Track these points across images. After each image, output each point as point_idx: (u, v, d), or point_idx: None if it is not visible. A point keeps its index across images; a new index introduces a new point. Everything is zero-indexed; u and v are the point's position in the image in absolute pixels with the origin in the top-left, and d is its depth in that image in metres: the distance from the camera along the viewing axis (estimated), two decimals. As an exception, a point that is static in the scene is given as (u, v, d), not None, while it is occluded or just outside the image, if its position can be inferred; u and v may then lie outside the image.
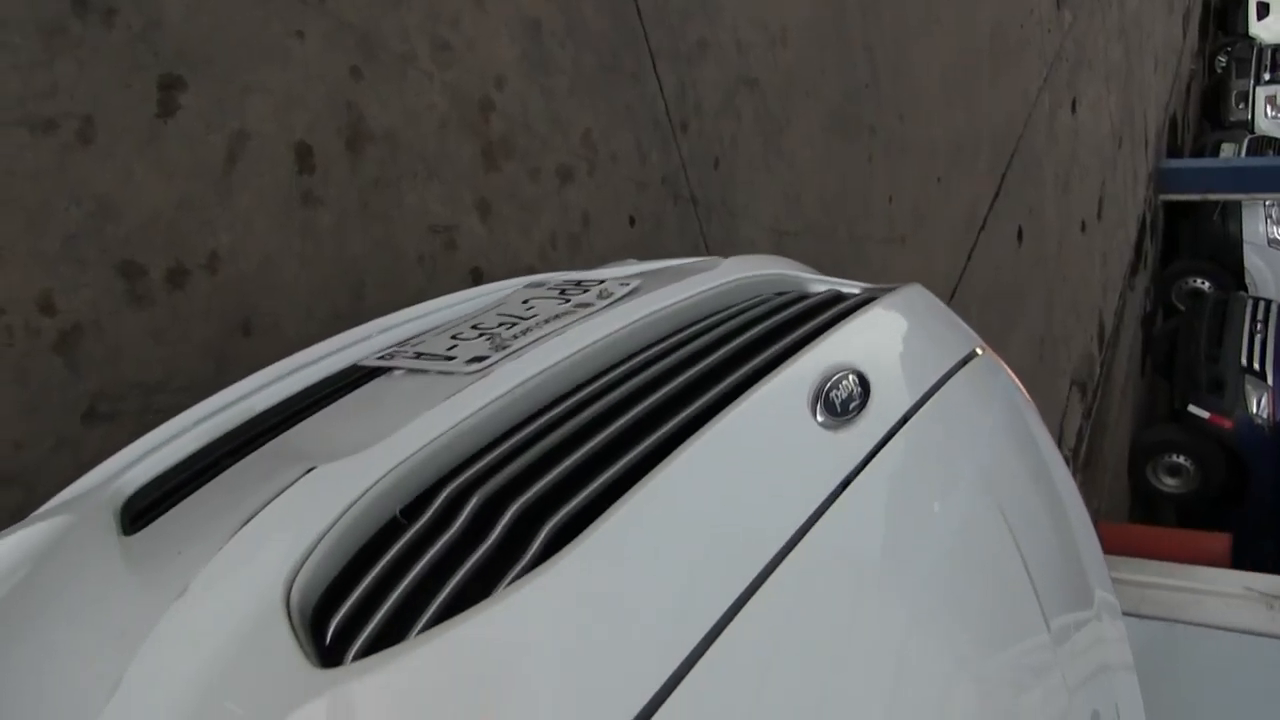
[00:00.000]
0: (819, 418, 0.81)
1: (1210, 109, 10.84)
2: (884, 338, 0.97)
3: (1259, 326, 7.06)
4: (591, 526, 0.67)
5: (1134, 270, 7.35)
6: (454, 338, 1.00)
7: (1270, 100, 9.84)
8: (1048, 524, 1.04)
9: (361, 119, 1.62)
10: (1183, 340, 7.19)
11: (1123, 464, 7.01)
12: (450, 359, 0.94)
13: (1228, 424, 6.96)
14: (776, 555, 0.71)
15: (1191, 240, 8.43)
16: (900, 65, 3.46)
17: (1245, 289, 7.85)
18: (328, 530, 0.71)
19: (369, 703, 0.60)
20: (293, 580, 0.68)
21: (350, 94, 1.60)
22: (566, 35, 2.03)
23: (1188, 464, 7.08)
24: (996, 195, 4.29)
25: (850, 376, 0.84)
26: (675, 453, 0.73)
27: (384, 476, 0.75)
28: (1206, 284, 8.15)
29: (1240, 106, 9.80)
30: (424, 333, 1.10)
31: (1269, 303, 7.27)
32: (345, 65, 1.59)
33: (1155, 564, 3.57)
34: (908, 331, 1.00)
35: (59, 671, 0.71)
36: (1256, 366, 6.92)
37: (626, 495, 0.70)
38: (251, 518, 0.73)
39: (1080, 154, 5.69)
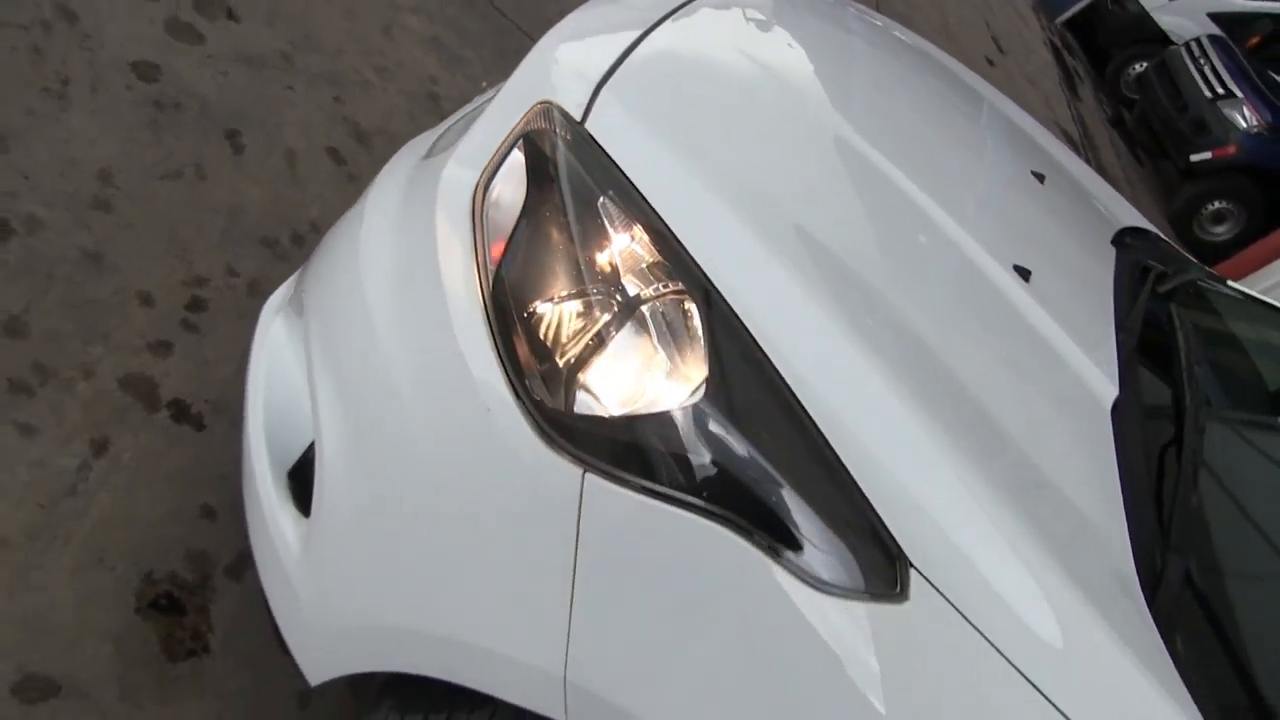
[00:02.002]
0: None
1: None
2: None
3: (1202, 61, 7.55)
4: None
5: (1072, 85, 7.92)
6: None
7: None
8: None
9: (358, 125, 2.31)
10: (1152, 114, 7.68)
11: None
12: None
13: (1231, 149, 7.35)
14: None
15: (1108, 38, 9.02)
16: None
17: (1173, 44, 8.37)
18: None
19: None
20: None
21: (342, 112, 2.30)
22: (462, 41, 2.76)
23: (1224, 205, 7.44)
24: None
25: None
26: None
27: None
28: (1143, 64, 8.67)
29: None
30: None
31: (1196, 39, 7.80)
32: (329, 96, 2.30)
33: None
34: None
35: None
36: (1220, 90, 7.37)
37: None
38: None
39: (949, 7, 6.38)
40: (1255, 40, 8.48)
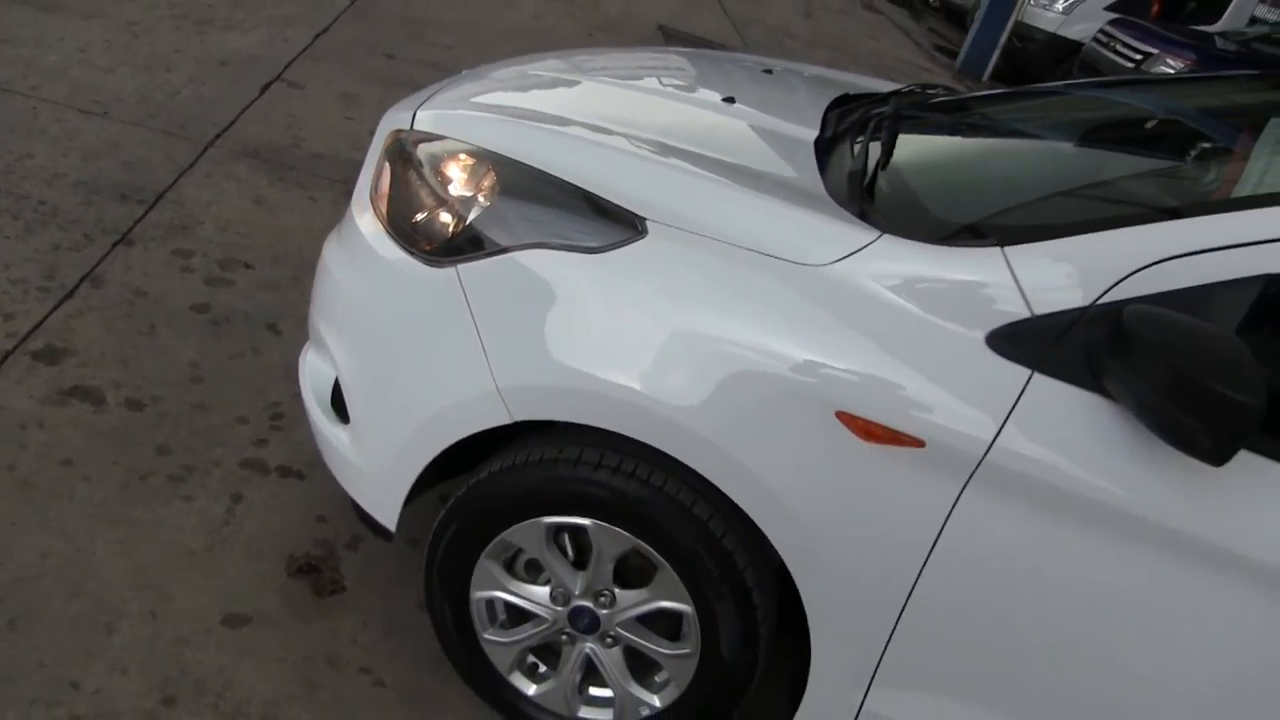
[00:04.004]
0: None
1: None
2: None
3: (1113, 43, 8.42)
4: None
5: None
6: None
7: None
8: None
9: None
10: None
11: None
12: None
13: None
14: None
15: (1036, 70, 9.95)
16: None
17: (1086, 46, 9.27)
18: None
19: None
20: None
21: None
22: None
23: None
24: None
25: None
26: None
27: None
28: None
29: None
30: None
31: (1101, 29, 8.70)
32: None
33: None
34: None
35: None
36: (1139, 57, 8.16)
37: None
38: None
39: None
40: (1156, 8, 9.33)
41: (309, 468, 2.47)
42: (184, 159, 3.73)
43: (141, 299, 2.91)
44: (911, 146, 2.08)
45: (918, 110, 2.35)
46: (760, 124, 2.15)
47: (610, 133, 1.93)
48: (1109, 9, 9.65)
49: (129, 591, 2.06)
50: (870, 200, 1.81)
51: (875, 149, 1.98)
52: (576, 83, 2.31)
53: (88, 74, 4.17)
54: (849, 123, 2.21)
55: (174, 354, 2.73)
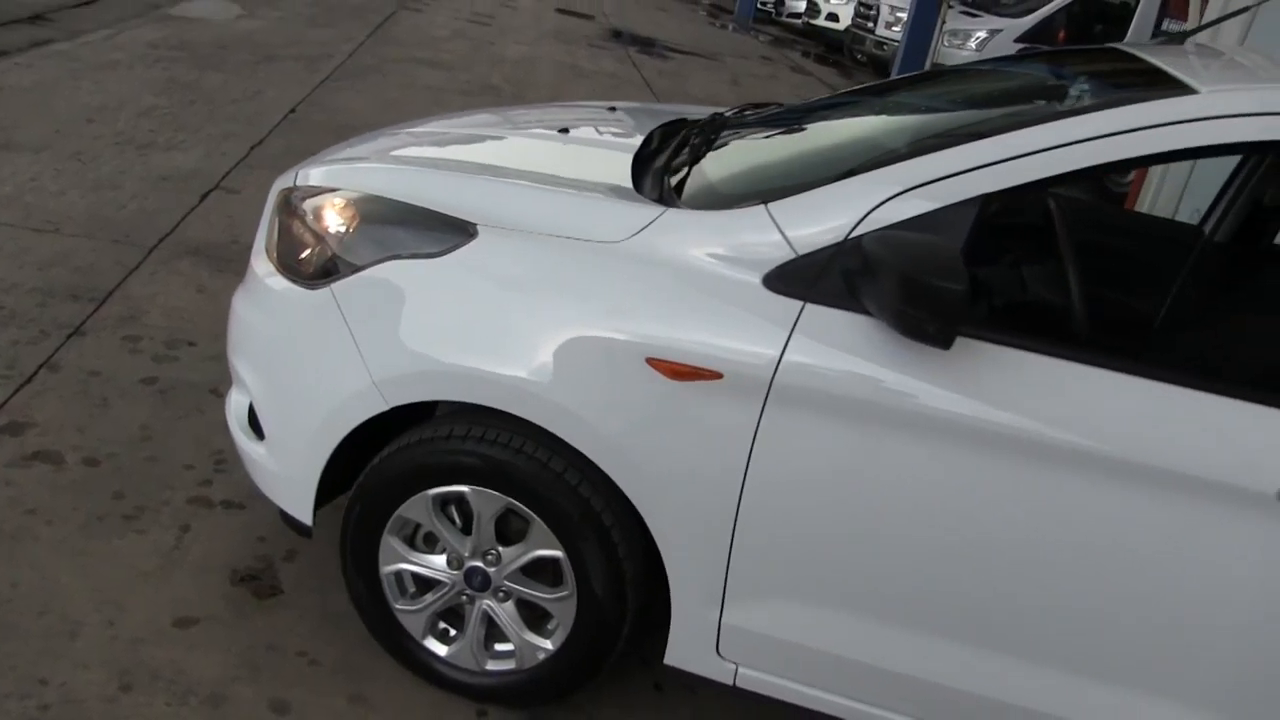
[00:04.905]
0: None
1: None
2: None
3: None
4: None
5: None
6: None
7: None
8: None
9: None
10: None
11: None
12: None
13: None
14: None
15: None
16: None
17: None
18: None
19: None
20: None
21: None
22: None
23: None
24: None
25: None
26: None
27: None
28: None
29: None
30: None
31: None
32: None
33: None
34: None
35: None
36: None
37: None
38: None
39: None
40: (1062, 34, 9.96)
41: (249, 500, 2.81)
42: (131, 261, 4.15)
43: (95, 378, 3.29)
44: (717, 148, 2.49)
45: (728, 121, 2.77)
46: (587, 146, 2.57)
47: (452, 163, 2.33)
48: (1019, 40, 10.27)
49: (89, 606, 2.39)
50: (674, 190, 2.20)
51: (686, 154, 2.39)
52: (434, 133, 2.72)
53: (40, 198, 4.61)
54: (666, 138, 2.62)
55: (126, 420, 3.10)
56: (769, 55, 15.20)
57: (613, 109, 3.08)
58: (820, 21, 17.07)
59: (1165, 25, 11.31)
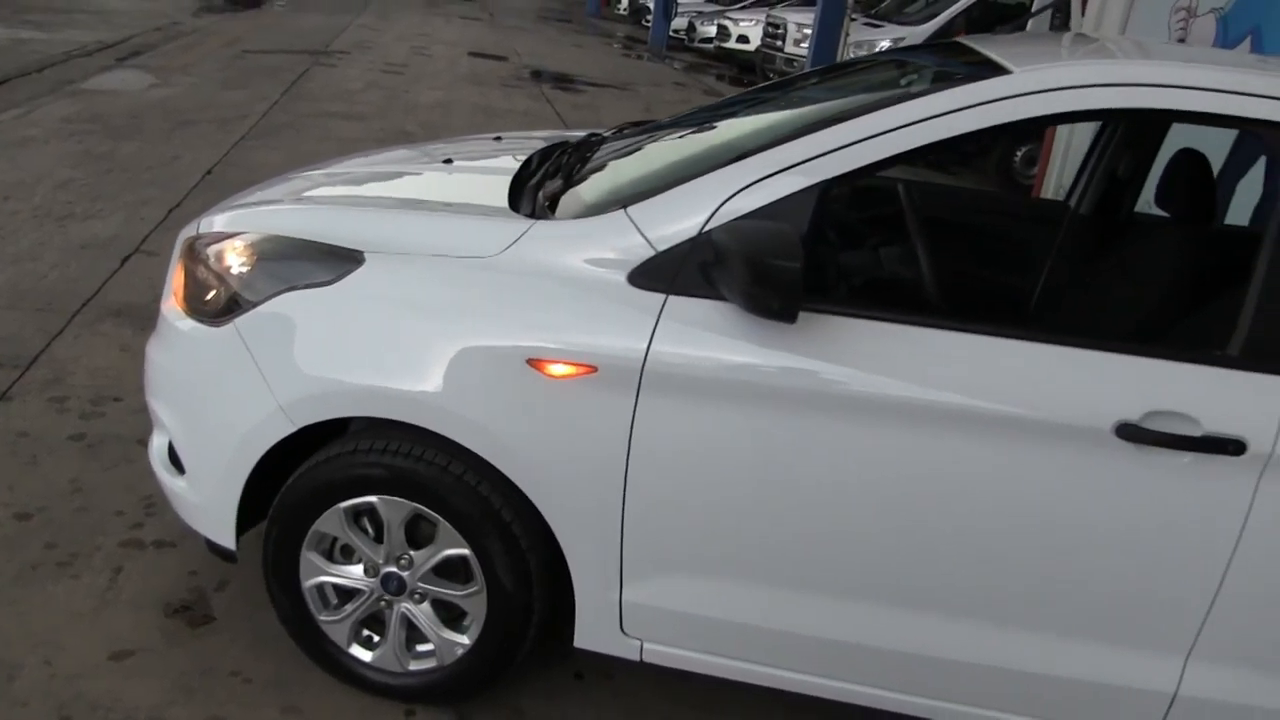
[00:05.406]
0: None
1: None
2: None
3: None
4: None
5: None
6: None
7: None
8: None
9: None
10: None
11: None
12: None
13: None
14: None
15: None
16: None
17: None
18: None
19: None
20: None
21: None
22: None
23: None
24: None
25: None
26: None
27: None
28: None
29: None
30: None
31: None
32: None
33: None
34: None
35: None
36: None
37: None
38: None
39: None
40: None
41: (180, 538, 2.95)
42: (54, 327, 4.26)
43: (23, 439, 3.41)
44: (590, 165, 2.68)
45: (604, 139, 2.98)
46: (469, 173, 2.76)
47: (343, 198, 2.52)
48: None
49: (27, 648, 2.51)
50: (547, 205, 2.39)
51: (560, 172, 2.60)
52: (333, 173, 2.91)
53: (-41, 276, 4.71)
54: (543, 160, 2.82)
55: (56, 475, 3.22)
56: (682, 81, 15.55)
57: (498, 138, 3.28)
58: (731, 44, 17.49)
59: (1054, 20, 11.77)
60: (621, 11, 28.51)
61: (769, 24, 14.93)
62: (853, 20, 12.30)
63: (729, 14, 18.63)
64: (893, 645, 2.21)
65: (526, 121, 9.98)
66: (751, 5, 19.06)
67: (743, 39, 17.11)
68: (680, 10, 20.48)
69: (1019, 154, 9.29)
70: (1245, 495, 1.99)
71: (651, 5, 20.59)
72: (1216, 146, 2.50)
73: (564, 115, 10.75)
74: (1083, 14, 8.95)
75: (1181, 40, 7.47)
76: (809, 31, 13.13)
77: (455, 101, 10.99)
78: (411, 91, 11.31)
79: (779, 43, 14.44)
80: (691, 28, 19.78)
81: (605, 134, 3.15)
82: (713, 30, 18.49)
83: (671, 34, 20.07)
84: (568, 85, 13.46)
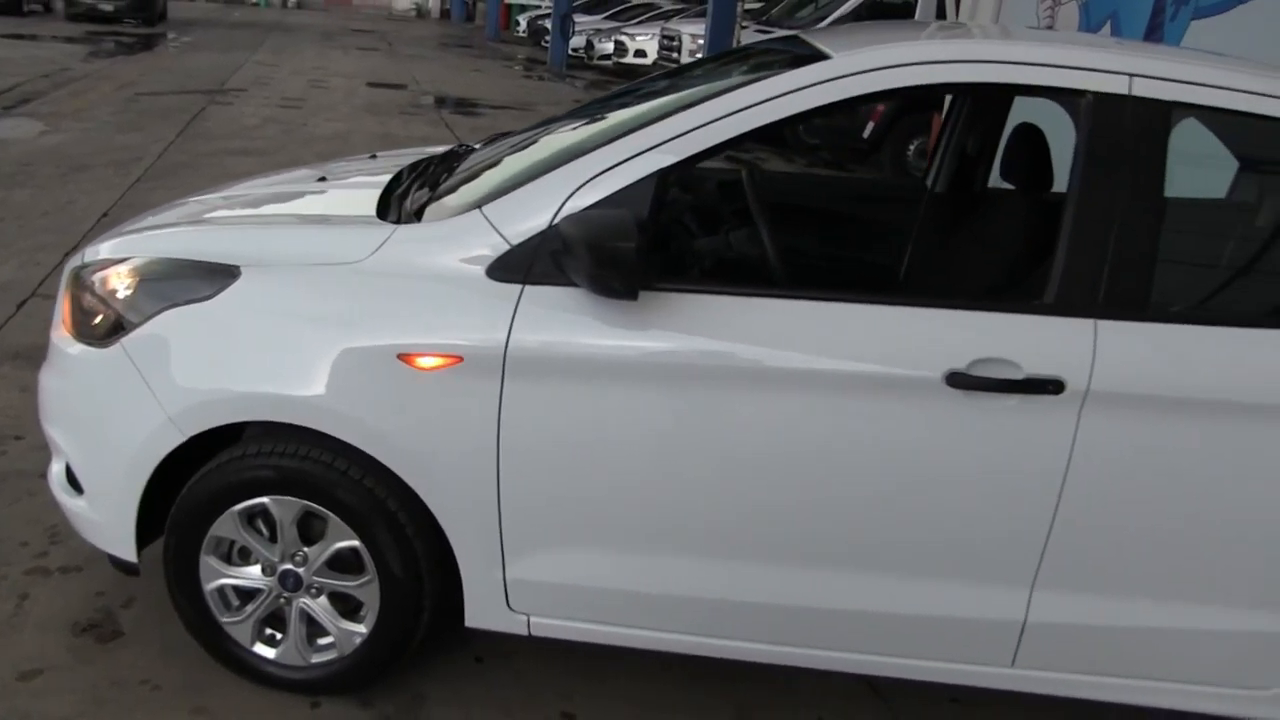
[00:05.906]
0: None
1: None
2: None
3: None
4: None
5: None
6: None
7: None
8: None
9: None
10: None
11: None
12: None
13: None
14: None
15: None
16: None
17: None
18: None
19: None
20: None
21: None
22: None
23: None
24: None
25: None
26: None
27: None
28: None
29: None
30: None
31: None
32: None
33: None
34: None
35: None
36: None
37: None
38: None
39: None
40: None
41: (86, 562, 3.04)
42: (-50, 376, 4.29)
43: (-78, 484, 3.46)
44: (457, 173, 2.84)
45: (471, 149, 3.15)
46: (343, 188, 2.91)
47: (221, 218, 2.65)
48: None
49: (-65, 676, 2.59)
50: (413, 213, 2.54)
51: (426, 182, 2.76)
52: (214, 198, 3.03)
53: None
54: (412, 172, 2.98)
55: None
56: (583, 98, 15.70)
57: (374, 156, 3.43)
58: (629, 59, 17.79)
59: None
60: (521, 34, 28.75)
61: (664, 36, 15.25)
62: (744, 27, 12.63)
63: (625, 29, 18.95)
64: (757, 598, 2.39)
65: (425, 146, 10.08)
66: (647, 20, 19.42)
67: (640, 53, 17.43)
68: (578, 29, 20.75)
69: (912, 147, 9.65)
70: (1068, 430, 2.20)
71: (550, 26, 20.81)
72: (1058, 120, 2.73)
73: (464, 139, 10.80)
74: (957, 6, 9.34)
75: (1049, 26, 7.86)
76: (703, 41, 13.44)
77: (354, 131, 11.07)
78: (309, 124, 11.36)
79: (675, 54, 14.76)
80: (590, 45, 20.07)
81: (475, 145, 3.31)
82: (610, 47, 18.78)
83: (571, 53, 20.34)
84: (469, 110, 13.60)
